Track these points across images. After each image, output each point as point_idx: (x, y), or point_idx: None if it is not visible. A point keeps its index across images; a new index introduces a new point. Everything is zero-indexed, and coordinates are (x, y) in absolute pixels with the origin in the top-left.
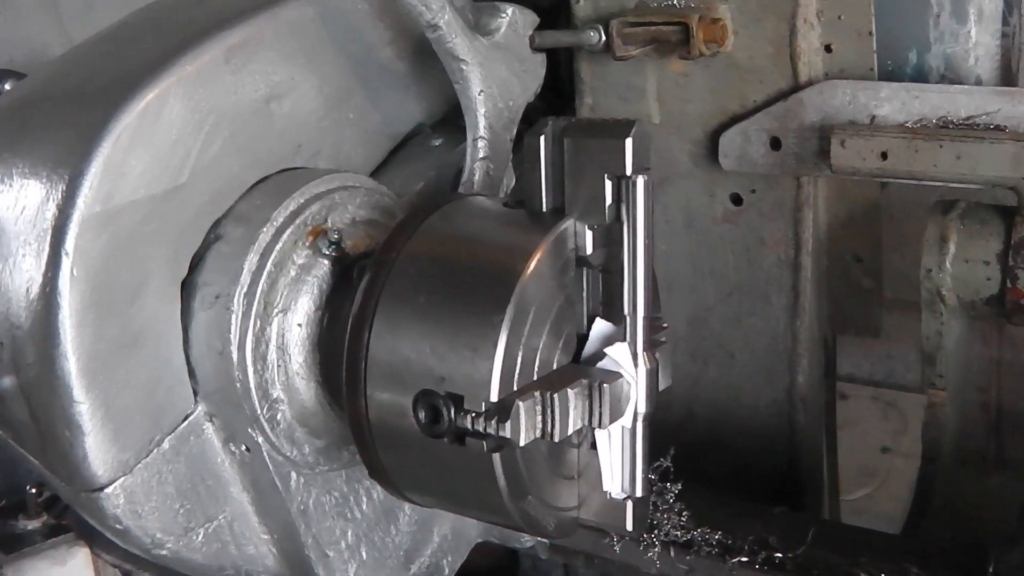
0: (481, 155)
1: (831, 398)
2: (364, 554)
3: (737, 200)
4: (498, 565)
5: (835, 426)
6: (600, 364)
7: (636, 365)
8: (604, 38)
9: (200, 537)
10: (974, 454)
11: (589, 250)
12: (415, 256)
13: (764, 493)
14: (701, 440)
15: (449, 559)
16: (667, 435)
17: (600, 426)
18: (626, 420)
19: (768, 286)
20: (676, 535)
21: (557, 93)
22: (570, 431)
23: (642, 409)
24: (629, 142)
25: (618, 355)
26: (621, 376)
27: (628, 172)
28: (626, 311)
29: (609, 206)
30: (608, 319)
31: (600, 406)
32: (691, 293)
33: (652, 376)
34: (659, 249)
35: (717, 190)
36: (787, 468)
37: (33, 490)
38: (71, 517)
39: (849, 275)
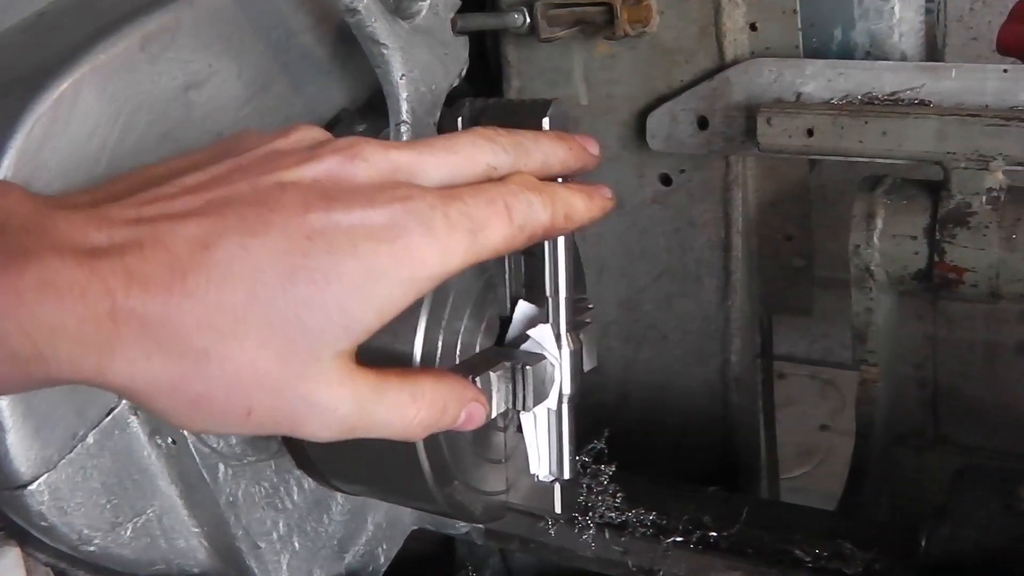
0: (404, 140)
1: (768, 378)
2: (296, 545)
3: (666, 181)
4: (434, 552)
5: (773, 405)
6: (523, 347)
7: (560, 347)
8: (529, 20)
9: (128, 532)
10: (911, 431)
11: None
12: None
13: (701, 474)
14: (637, 422)
15: (384, 547)
16: (602, 418)
17: (524, 409)
18: (551, 402)
19: (699, 267)
20: (611, 517)
21: (485, 77)
22: (494, 414)
23: (567, 391)
24: (546, 122)
25: (541, 337)
26: (544, 358)
27: None
28: (548, 292)
29: None
30: (531, 301)
31: (524, 389)
32: (623, 276)
33: (576, 357)
34: (590, 231)
35: (646, 171)
36: (723, 448)
37: None
38: (1, 516)
39: (780, 254)
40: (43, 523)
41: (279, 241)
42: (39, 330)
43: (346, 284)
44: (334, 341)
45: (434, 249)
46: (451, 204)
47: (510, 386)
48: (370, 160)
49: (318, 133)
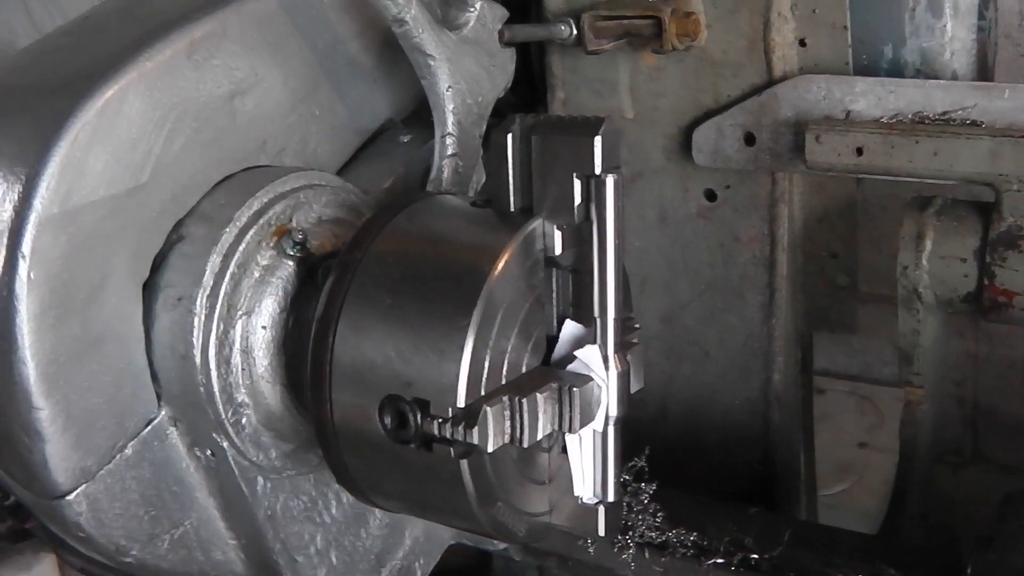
0: (450, 152)
1: (807, 394)
2: (334, 559)
3: (711, 196)
4: (470, 565)
5: (812, 422)
6: (570, 367)
7: (607, 368)
8: (575, 32)
9: (166, 544)
10: (950, 449)
11: (558, 250)
12: (380, 256)
13: (739, 491)
14: (676, 439)
15: (421, 562)
16: (641, 434)
17: (571, 431)
18: (597, 424)
19: (743, 283)
20: (651, 536)
21: (530, 88)
22: (540, 436)
23: (613, 413)
24: (598, 140)
25: (589, 358)
26: (592, 379)
27: (597, 171)
28: (596, 313)
29: (578, 206)
30: (578, 321)
31: (570, 410)
32: (665, 290)
33: (623, 379)
34: (632, 246)
35: (691, 185)
36: (762, 466)
37: None
38: (37, 522)
39: (824, 272)
40: (80, 533)
41: None
42: None
43: None
44: None
45: None
46: None
47: (556, 407)
48: None
49: None
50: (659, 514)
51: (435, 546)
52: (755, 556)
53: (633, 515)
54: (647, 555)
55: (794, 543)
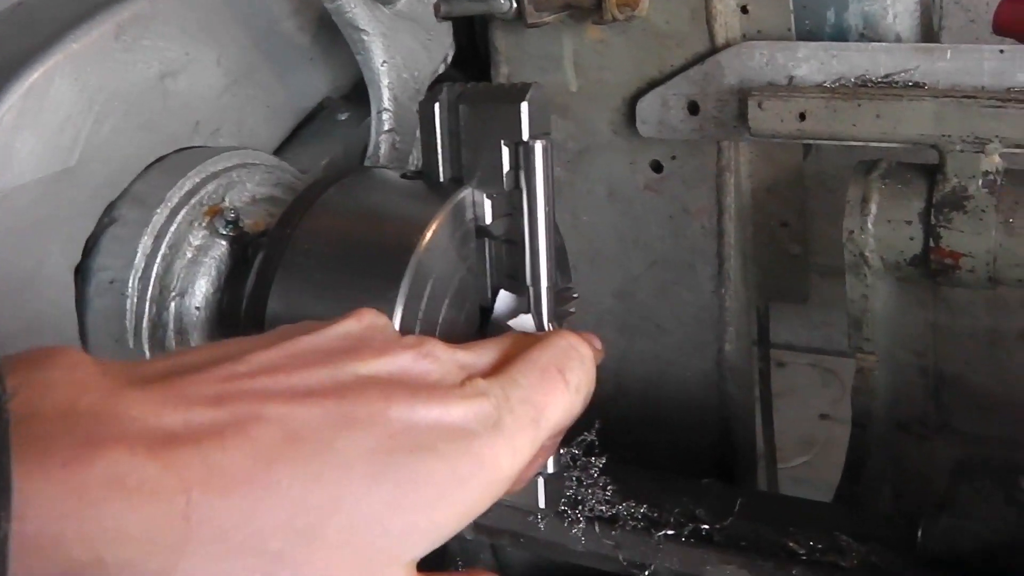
0: (386, 128)
1: (766, 366)
2: None
3: (658, 168)
4: None
5: (770, 394)
6: None
7: None
8: (515, 5)
9: None
10: (914, 419)
11: (489, 219)
12: (310, 232)
13: (698, 465)
14: (633, 414)
15: None
16: (598, 409)
17: None
18: None
19: (693, 255)
20: (601, 510)
21: (477, 64)
22: None
23: None
24: (524, 106)
25: (523, 327)
26: None
27: (525, 137)
28: (528, 282)
29: (507, 173)
30: (512, 291)
31: None
32: (617, 265)
33: None
34: (582, 220)
35: (638, 158)
36: (719, 439)
37: None
38: None
39: (775, 241)
40: None
41: (364, 438)
42: (102, 533)
43: (432, 488)
44: (414, 546)
45: (507, 450)
46: (512, 393)
47: None
48: (440, 359)
49: (384, 322)
50: (609, 488)
51: None
52: (706, 527)
53: (583, 489)
54: (597, 529)
55: (746, 513)
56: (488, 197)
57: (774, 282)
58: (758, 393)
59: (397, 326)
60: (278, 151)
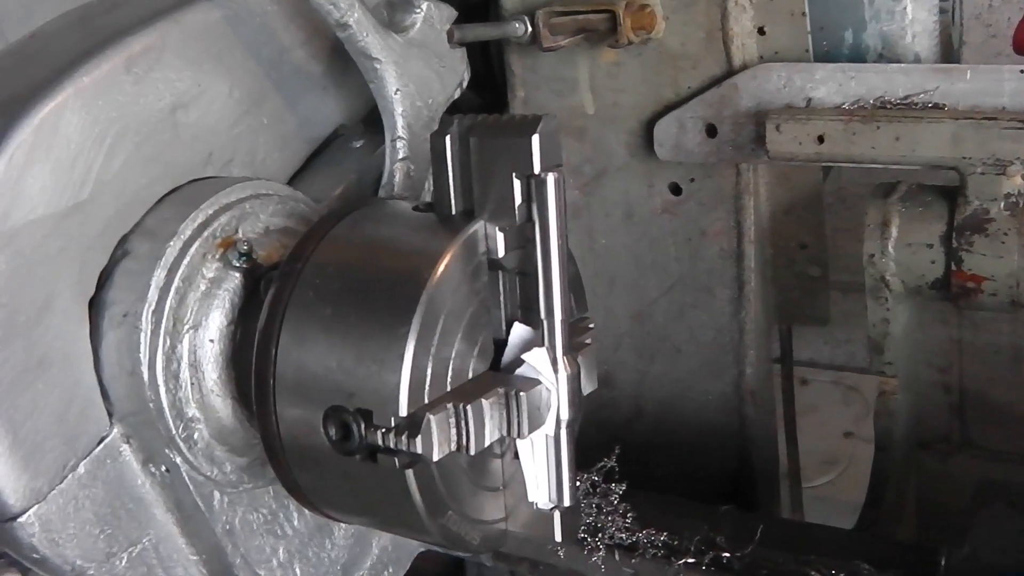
0: (401, 156)
1: (788, 385)
2: (298, 571)
3: (676, 190)
4: (444, 572)
5: (794, 413)
6: (519, 371)
7: (556, 370)
8: (530, 29)
9: (124, 562)
10: (936, 437)
11: (501, 252)
12: (321, 266)
13: (717, 489)
14: (650, 438)
15: (390, 571)
16: (615, 434)
17: (520, 436)
18: (548, 428)
19: (711, 278)
20: (621, 538)
21: (493, 88)
22: (487, 443)
23: (564, 416)
24: (536, 139)
25: (536, 361)
26: (539, 383)
27: (536, 170)
28: (542, 315)
29: (519, 206)
30: (527, 323)
31: (519, 415)
32: (633, 288)
33: (574, 381)
34: (599, 243)
35: (656, 181)
36: (738, 462)
37: None
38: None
39: (794, 263)
40: (35, 555)
41: None
42: None
43: None
44: None
45: None
46: None
47: (504, 412)
48: None
49: None
50: (629, 515)
51: (404, 555)
52: (727, 555)
53: (603, 517)
54: (617, 557)
55: (767, 541)
56: (500, 230)
57: (794, 304)
58: (781, 412)
59: (408, 361)
60: (292, 180)
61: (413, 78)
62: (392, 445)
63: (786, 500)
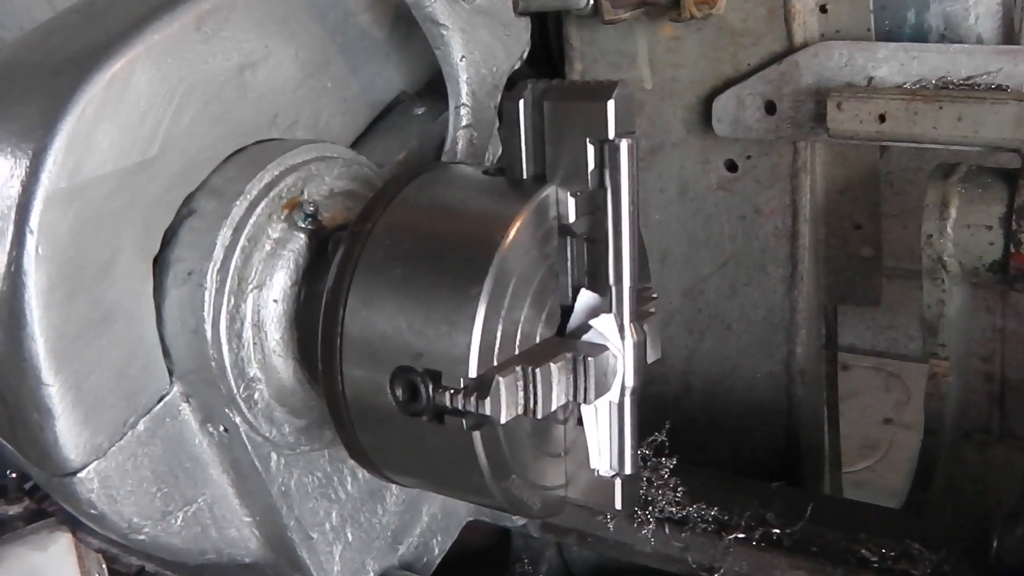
0: (464, 123)
1: (832, 370)
2: (350, 535)
3: (732, 167)
4: (489, 543)
5: (836, 398)
6: (585, 337)
7: (623, 337)
8: (592, 1)
9: (179, 521)
10: (977, 427)
11: (572, 218)
12: (391, 227)
13: (763, 466)
14: (698, 414)
15: (439, 539)
16: (663, 409)
17: (586, 401)
18: (613, 395)
19: (764, 255)
20: (671, 512)
21: (548, 61)
22: (554, 407)
23: (629, 383)
24: (611, 104)
25: (604, 327)
26: (607, 349)
27: (611, 135)
28: (611, 281)
29: (592, 171)
30: (594, 290)
31: (585, 381)
32: (686, 264)
33: (640, 349)
34: (652, 218)
35: (712, 157)
36: (786, 441)
37: (13, 475)
38: (53, 502)
39: (848, 244)
40: (92, 511)
41: None
42: None
43: None
44: None
45: None
46: None
47: (571, 377)
48: None
49: None
50: (679, 489)
51: (452, 523)
52: (776, 531)
53: (653, 490)
54: (667, 530)
55: (817, 518)
56: (571, 195)
57: (845, 285)
58: (824, 397)
59: (480, 323)
60: (354, 145)
61: (478, 45)
62: (460, 406)
63: (826, 484)
